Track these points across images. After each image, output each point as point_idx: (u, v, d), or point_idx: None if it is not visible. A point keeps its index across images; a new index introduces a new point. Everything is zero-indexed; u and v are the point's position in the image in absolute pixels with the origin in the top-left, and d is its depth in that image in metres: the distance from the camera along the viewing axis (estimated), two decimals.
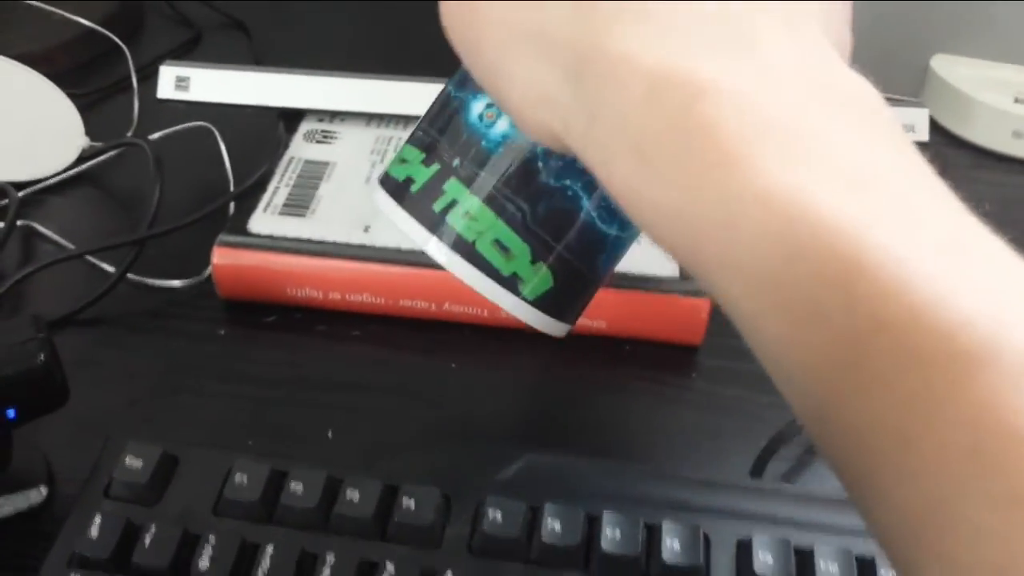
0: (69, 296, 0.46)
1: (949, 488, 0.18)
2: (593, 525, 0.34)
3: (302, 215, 0.46)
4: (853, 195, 0.20)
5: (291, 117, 0.53)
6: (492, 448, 0.37)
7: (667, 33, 0.22)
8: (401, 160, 0.30)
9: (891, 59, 0.62)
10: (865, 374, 0.19)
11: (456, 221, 0.29)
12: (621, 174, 0.22)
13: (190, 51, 0.68)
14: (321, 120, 0.53)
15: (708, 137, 0.21)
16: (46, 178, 0.53)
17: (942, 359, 0.18)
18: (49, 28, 0.64)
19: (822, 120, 0.21)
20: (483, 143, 0.28)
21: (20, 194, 0.49)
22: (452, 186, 0.29)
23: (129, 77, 0.60)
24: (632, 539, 0.33)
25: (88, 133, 0.54)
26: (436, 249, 0.29)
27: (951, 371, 0.18)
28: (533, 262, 0.29)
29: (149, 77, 0.59)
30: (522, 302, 0.30)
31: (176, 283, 0.47)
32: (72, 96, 0.55)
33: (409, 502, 0.34)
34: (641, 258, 0.43)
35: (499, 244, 0.29)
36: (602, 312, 0.44)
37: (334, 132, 0.52)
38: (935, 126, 0.60)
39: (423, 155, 0.29)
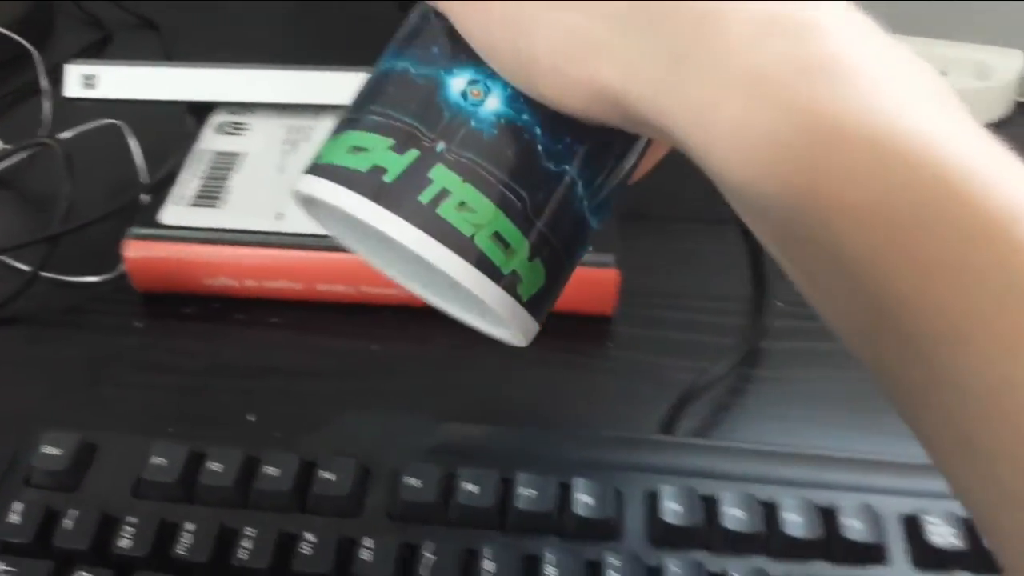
0: None
1: None
2: (508, 486, 0.35)
3: (214, 205, 0.46)
4: (962, 130, 0.21)
5: (201, 110, 0.53)
6: (412, 422, 0.38)
7: None
8: (354, 148, 0.26)
9: None
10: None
11: (449, 213, 0.25)
12: (728, 113, 0.21)
13: (101, 51, 0.67)
14: (232, 112, 0.53)
15: (834, 65, 0.21)
16: None
17: None
18: None
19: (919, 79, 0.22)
20: (472, 124, 0.25)
21: None
22: (440, 174, 0.25)
23: (40, 79, 0.60)
24: (545, 496, 0.34)
25: None
26: (423, 246, 0.25)
27: None
28: (530, 258, 0.26)
29: (60, 79, 0.58)
30: (517, 305, 0.26)
31: (93, 279, 0.47)
32: None
33: (327, 474, 0.35)
34: None
35: (499, 238, 0.25)
36: None
37: (245, 124, 0.52)
38: None
39: (391, 141, 0.26)
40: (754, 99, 0.21)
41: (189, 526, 0.33)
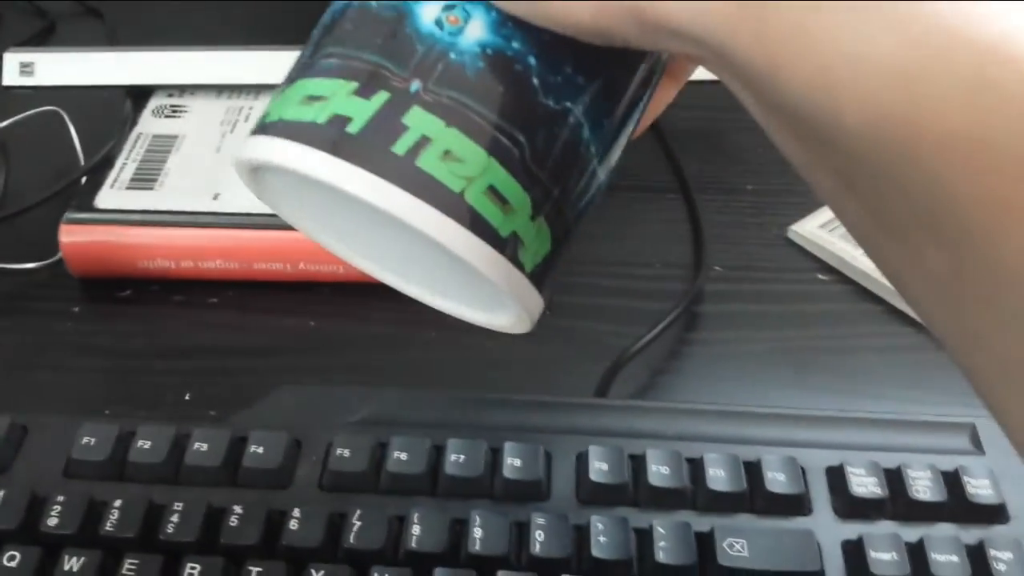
0: None
1: None
2: (439, 453, 0.35)
3: (150, 188, 0.46)
4: None
5: (139, 94, 0.53)
6: (345, 393, 0.38)
7: None
8: (308, 98, 0.22)
9: None
10: None
11: (432, 165, 0.21)
12: (816, 31, 0.19)
13: (45, 41, 0.67)
14: (171, 95, 0.53)
15: None
16: None
17: None
18: None
19: None
20: (452, 57, 0.21)
21: None
22: (417, 118, 0.21)
23: None
24: (475, 461, 0.34)
25: None
26: (401, 206, 0.20)
27: None
28: (533, 217, 0.22)
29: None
30: (522, 277, 0.22)
31: (30, 265, 0.47)
32: None
33: (257, 448, 0.35)
34: None
35: (494, 193, 0.21)
36: None
37: (183, 106, 0.52)
38: None
39: (353, 84, 0.21)
40: (852, 18, 0.18)
41: (118, 503, 0.33)
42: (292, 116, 0.22)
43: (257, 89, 0.54)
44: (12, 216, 0.46)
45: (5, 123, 0.53)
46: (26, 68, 0.53)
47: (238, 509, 0.33)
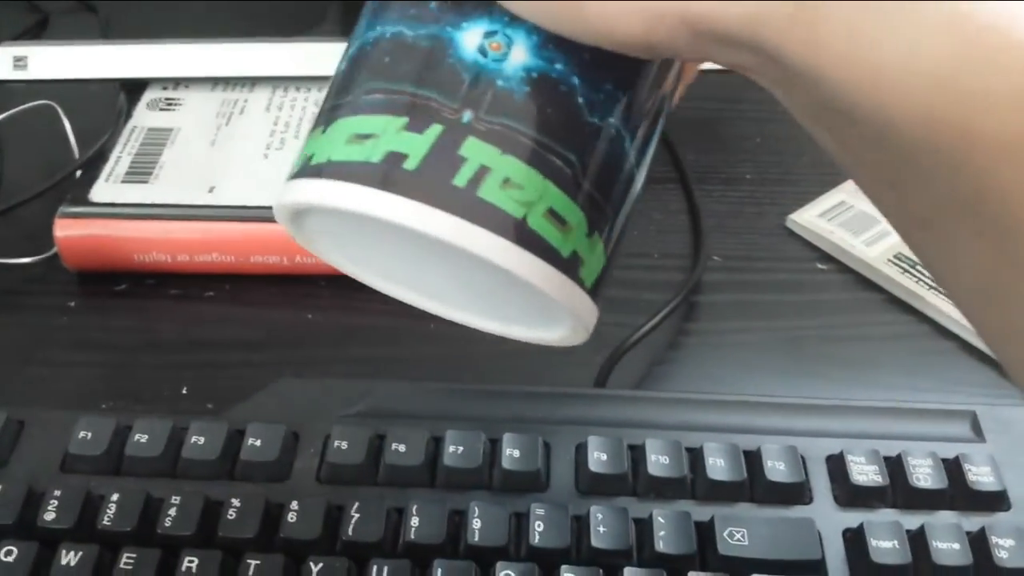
0: None
1: None
2: (438, 445, 0.35)
3: (145, 181, 0.46)
4: None
5: (134, 88, 0.53)
6: (343, 385, 0.38)
7: None
8: (356, 137, 0.22)
9: None
10: None
11: (493, 194, 0.21)
12: (870, 32, 0.18)
13: (39, 35, 0.67)
14: (165, 88, 0.53)
15: None
16: None
17: None
18: None
19: None
20: (499, 83, 0.21)
21: None
22: (473, 148, 0.21)
23: None
24: (474, 452, 0.34)
25: None
26: (470, 239, 0.21)
27: None
28: (589, 234, 0.22)
29: None
30: (583, 294, 0.22)
31: (25, 260, 0.47)
32: None
33: (255, 441, 0.35)
34: None
35: (554, 215, 0.21)
36: None
37: (178, 99, 0.52)
38: None
39: (403, 119, 0.21)
40: (904, 19, 0.18)
41: (115, 497, 0.33)
42: (342, 156, 0.21)
43: (252, 81, 0.54)
44: (7, 211, 0.46)
45: (1, 117, 0.53)
46: (20, 62, 0.53)
47: (236, 502, 0.33)
